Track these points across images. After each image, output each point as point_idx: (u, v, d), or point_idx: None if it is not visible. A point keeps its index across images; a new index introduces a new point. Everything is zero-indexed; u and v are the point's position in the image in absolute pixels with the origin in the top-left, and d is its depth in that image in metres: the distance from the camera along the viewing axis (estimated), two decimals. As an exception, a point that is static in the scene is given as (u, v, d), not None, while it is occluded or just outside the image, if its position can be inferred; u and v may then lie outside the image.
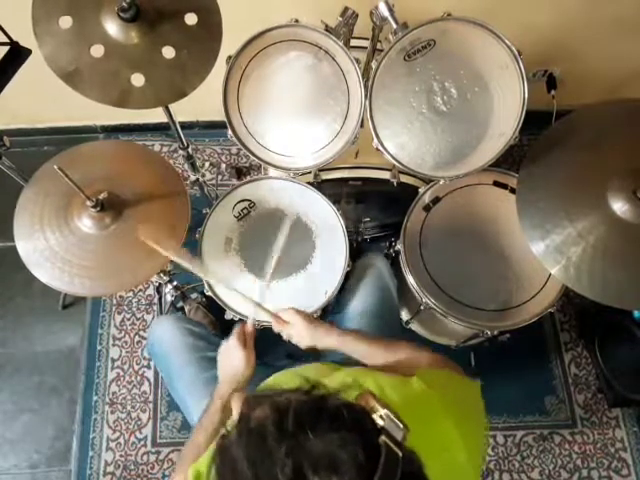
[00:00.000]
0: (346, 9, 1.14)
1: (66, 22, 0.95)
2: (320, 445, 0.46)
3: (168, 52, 0.99)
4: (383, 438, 0.48)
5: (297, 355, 1.17)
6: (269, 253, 1.02)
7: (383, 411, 0.51)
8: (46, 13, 0.94)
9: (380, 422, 0.50)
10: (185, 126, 2.01)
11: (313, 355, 1.06)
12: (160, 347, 1.22)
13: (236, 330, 0.96)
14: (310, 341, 0.96)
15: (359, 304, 1.24)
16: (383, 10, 1.10)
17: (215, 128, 2.04)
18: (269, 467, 0.46)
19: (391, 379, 0.79)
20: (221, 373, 0.98)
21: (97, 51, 0.96)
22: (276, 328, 1.00)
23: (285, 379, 0.90)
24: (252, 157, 1.27)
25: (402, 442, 0.48)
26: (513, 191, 1.29)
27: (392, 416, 0.50)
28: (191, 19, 1.00)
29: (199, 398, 1.10)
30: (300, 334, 0.96)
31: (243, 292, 1.00)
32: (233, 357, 0.95)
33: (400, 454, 0.47)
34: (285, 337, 1.00)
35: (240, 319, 1.21)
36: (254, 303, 0.99)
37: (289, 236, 0.98)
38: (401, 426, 0.50)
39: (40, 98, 1.74)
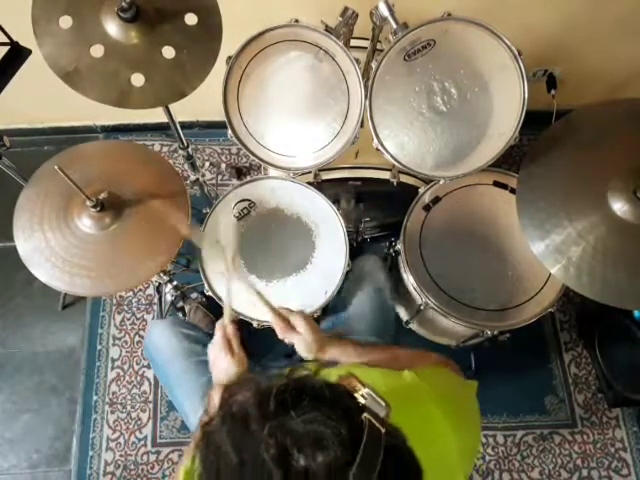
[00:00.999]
0: (346, 9, 1.14)
1: (66, 22, 0.95)
2: (302, 423, 0.46)
3: (168, 52, 0.99)
4: (365, 415, 0.48)
5: (295, 355, 1.17)
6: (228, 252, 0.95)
7: (365, 390, 0.51)
8: (46, 13, 0.94)
9: (362, 400, 0.50)
10: (185, 126, 2.01)
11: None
12: (157, 354, 1.22)
13: (216, 337, 0.89)
14: (315, 352, 0.89)
15: (354, 306, 1.24)
16: (383, 10, 1.10)
17: (215, 128, 2.04)
18: (254, 449, 0.46)
19: (382, 371, 0.78)
20: (215, 379, 0.97)
21: (97, 51, 0.96)
22: (282, 335, 0.92)
23: None
24: (252, 157, 1.27)
25: (385, 419, 0.49)
26: (513, 191, 1.29)
27: (374, 394, 0.51)
28: (191, 19, 1.00)
29: (198, 403, 1.10)
30: (307, 343, 0.89)
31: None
32: (222, 363, 0.89)
33: (383, 430, 0.47)
34: (280, 337, 0.94)
35: (240, 319, 1.20)
36: (265, 302, 0.94)
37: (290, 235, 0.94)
38: (383, 404, 0.50)
39: (40, 98, 1.74)
